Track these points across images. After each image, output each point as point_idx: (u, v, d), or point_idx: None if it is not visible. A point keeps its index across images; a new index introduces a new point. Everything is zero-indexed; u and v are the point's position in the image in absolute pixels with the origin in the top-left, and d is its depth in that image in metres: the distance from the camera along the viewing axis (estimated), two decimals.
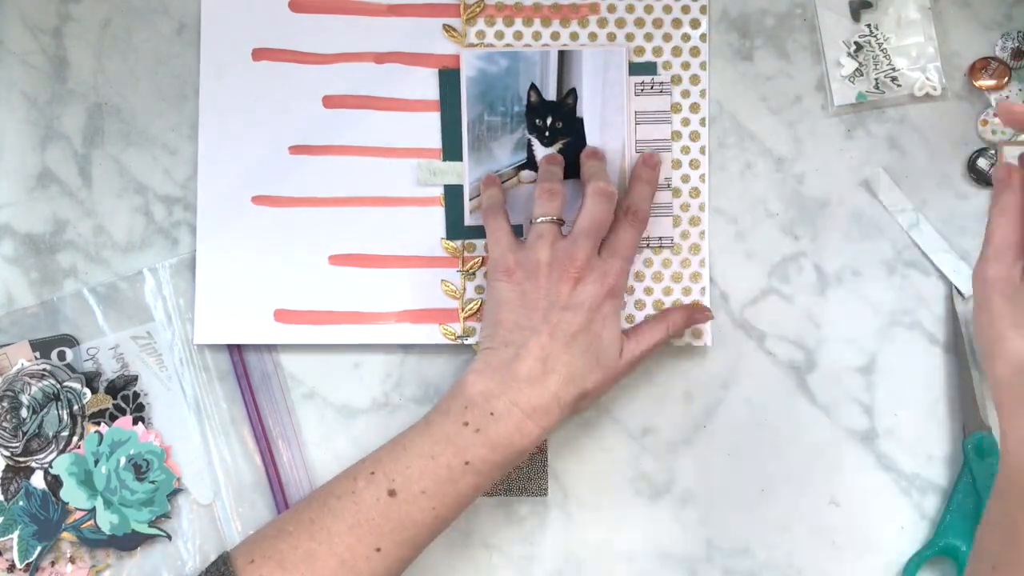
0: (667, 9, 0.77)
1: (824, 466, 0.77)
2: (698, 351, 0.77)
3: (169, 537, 0.76)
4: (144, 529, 0.75)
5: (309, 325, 0.77)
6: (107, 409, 0.76)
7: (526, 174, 0.77)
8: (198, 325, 0.76)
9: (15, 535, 0.75)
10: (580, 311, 0.69)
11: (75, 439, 0.76)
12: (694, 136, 0.77)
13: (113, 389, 0.76)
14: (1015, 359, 0.57)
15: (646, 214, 0.74)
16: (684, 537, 0.77)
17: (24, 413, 0.75)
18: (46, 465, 0.75)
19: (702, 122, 0.77)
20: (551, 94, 0.77)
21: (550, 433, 0.70)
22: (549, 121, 0.77)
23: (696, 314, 0.75)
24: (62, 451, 0.75)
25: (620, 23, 0.77)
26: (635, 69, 0.77)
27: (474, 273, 0.78)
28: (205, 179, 0.78)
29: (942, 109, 0.77)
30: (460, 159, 0.77)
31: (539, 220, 0.71)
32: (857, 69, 0.76)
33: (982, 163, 0.76)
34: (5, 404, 0.75)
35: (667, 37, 0.77)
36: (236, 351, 0.77)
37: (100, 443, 0.75)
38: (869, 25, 0.76)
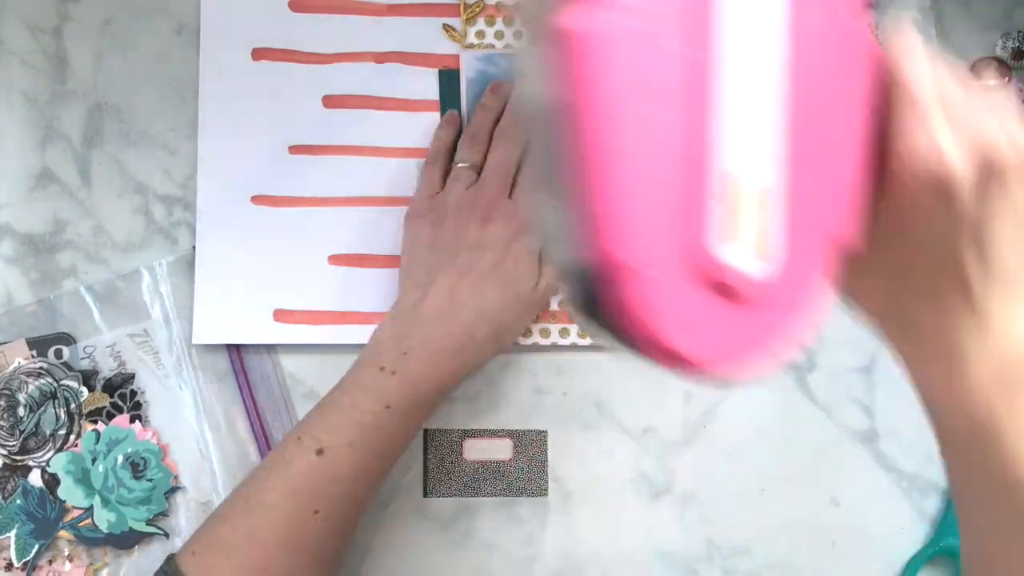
0: None
1: (824, 466, 0.76)
2: None
3: (167, 535, 0.76)
4: (142, 527, 0.75)
5: (309, 325, 0.77)
6: (104, 407, 0.76)
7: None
8: (197, 325, 0.76)
9: (12, 533, 0.74)
10: (490, 250, 0.69)
11: (72, 437, 0.75)
12: None
13: (110, 387, 0.76)
14: None
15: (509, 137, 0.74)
16: (684, 537, 0.77)
17: (21, 411, 0.75)
18: (43, 463, 0.75)
19: None
20: None
21: (474, 369, 0.70)
22: None
23: None
24: (59, 449, 0.75)
25: None
26: None
27: None
28: (205, 179, 0.78)
29: None
30: None
31: (459, 164, 0.73)
32: None
33: None
34: (2, 403, 0.75)
35: None
36: (235, 351, 0.77)
37: (97, 441, 0.75)
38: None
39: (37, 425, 0.75)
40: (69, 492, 0.75)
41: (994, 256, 0.43)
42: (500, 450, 0.77)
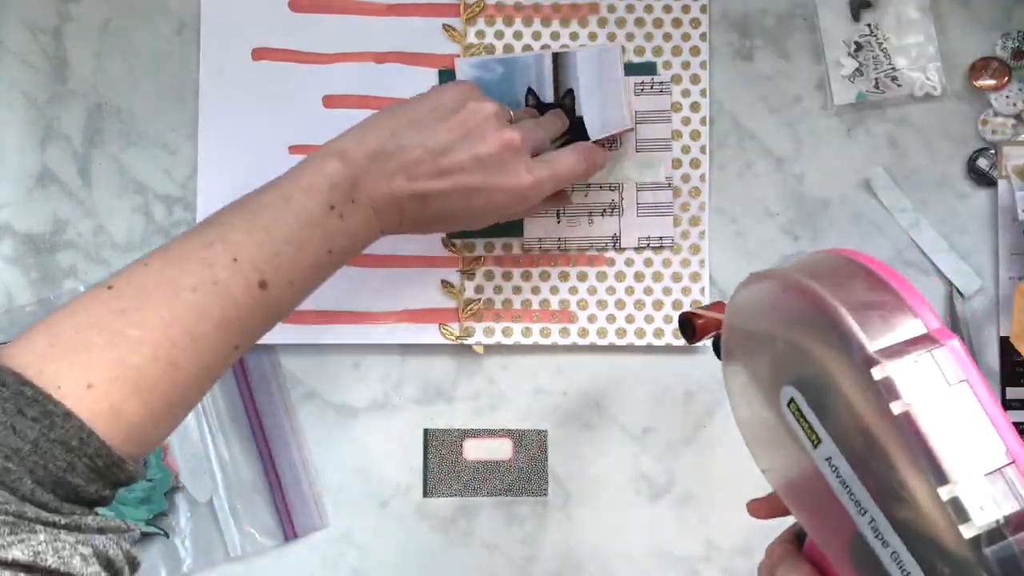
0: (667, 9, 0.77)
1: None
2: (698, 351, 0.77)
3: (167, 535, 0.76)
4: (142, 527, 0.75)
5: (309, 325, 0.77)
6: None
7: None
8: None
9: None
10: (482, 173, 0.65)
11: None
12: (694, 135, 0.77)
13: None
14: None
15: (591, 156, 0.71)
16: (684, 537, 0.77)
17: None
18: None
19: (703, 121, 0.77)
20: (548, 97, 0.77)
21: (406, 231, 0.66)
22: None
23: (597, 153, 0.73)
24: None
25: (620, 23, 0.77)
26: (635, 69, 0.77)
27: (474, 273, 0.77)
28: (205, 179, 0.78)
29: (942, 109, 0.77)
30: None
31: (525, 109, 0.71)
32: (857, 69, 0.76)
33: (982, 163, 0.76)
34: None
35: (667, 37, 0.77)
36: None
37: None
38: (869, 25, 0.76)
39: None
40: None
41: None
42: (500, 450, 0.77)
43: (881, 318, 0.44)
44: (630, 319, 0.77)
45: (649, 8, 0.77)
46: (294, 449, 0.77)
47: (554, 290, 0.77)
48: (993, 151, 0.76)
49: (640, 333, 0.77)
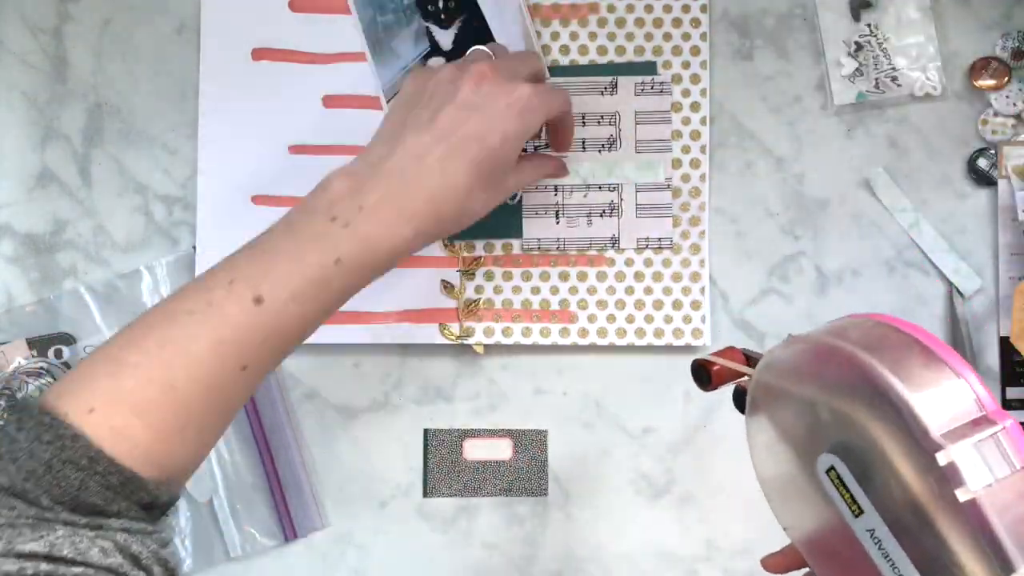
0: (667, 9, 0.77)
1: None
2: (698, 351, 0.77)
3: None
4: None
5: None
6: None
7: (434, 61, 0.77)
8: None
9: None
10: (477, 112, 0.63)
11: None
12: (694, 135, 0.77)
13: None
14: None
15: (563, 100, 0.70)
16: (684, 537, 0.77)
17: None
18: None
19: (703, 121, 0.77)
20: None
21: (429, 241, 0.63)
22: (442, 3, 0.77)
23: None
24: None
25: (620, 23, 0.77)
26: (635, 69, 0.77)
27: (474, 273, 0.77)
28: (205, 179, 0.78)
29: (942, 109, 0.77)
30: None
31: (473, 49, 0.69)
32: (857, 69, 0.76)
33: (982, 163, 0.76)
34: (2, 402, 0.75)
35: (667, 36, 0.77)
36: None
37: None
38: (869, 25, 0.76)
39: None
40: None
41: None
42: (500, 450, 0.77)
43: (939, 397, 0.44)
44: (630, 319, 0.77)
45: (649, 8, 0.77)
46: (294, 449, 0.77)
47: (554, 290, 0.77)
48: (993, 151, 0.76)
49: (640, 333, 0.77)
